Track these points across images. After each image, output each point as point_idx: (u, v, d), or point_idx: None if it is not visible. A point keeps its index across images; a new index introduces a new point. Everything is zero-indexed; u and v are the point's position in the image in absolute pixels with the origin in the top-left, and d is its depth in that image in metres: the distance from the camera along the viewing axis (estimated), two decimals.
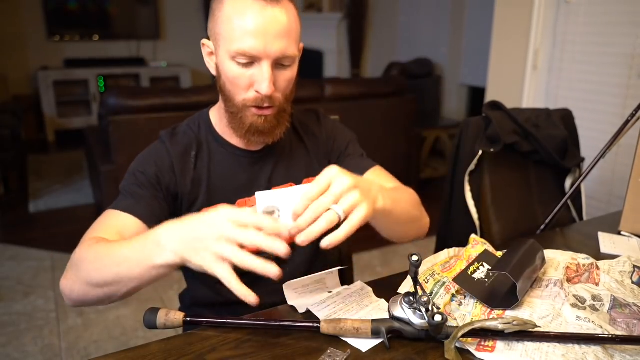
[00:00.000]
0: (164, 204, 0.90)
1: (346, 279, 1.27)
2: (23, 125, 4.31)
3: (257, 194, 0.72)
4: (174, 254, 0.67)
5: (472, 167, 1.43)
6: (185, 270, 1.08)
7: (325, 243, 0.67)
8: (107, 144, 2.65)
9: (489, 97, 2.91)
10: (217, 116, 0.98)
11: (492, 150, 1.40)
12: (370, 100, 3.24)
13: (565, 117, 1.57)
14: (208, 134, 0.97)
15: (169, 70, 5.47)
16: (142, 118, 2.59)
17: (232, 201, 0.95)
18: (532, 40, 2.61)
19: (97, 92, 5.10)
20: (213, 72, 0.91)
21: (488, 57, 2.91)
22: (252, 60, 0.82)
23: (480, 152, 1.41)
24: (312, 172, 1.01)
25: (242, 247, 0.65)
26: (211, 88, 2.96)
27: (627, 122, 1.28)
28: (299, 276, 0.97)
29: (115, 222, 0.84)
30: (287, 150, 1.01)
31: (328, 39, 5.72)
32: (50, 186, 3.80)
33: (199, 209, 0.94)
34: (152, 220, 0.86)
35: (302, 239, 0.67)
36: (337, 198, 0.68)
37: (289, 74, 0.87)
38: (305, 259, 1.03)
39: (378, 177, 0.98)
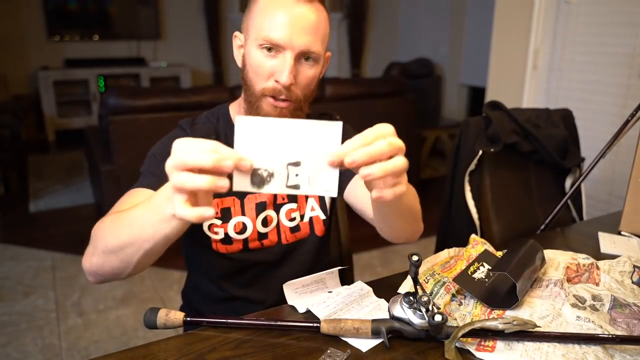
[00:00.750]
0: None
1: (346, 279, 1.27)
2: (23, 125, 4.31)
3: (238, 117, 0.63)
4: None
5: (472, 167, 1.43)
6: (188, 262, 1.09)
7: (385, 195, 0.64)
8: (107, 143, 2.65)
9: (489, 97, 2.91)
10: (236, 110, 0.99)
11: (492, 150, 1.40)
12: (370, 100, 3.24)
13: (566, 117, 1.57)
14: (226, 127, 0.99)
15: (169, 70, 5.47)
16: (142, 118, 2.60)
17: (242, 196, 0.96)
18: (532, 40, 2.61)
19: (97, 92, 5.10)
20: (239, 63, 0.94)
21: (488, 57, 2.91)
22: (275, 49, 0.85)
23: (480, 152, 1.41)
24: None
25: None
26: (211, 88, 2.97)
27: (627, 122, 1.28)
28: (302, 276, 0.97)
29: (135, 198, 0.84)
30: None
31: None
32: (51, 186, 3.80)
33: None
34: None
35: (365, 174, 0.61)
36: (393, 151, 0.65)
37: (312, 71, 0.89)
38: (308, 259, 1.03)
39: None
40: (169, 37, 5.70)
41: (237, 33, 0.94)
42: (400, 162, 0.64)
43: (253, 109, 0.90)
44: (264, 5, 0.85)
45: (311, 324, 0.76)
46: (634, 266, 0.97)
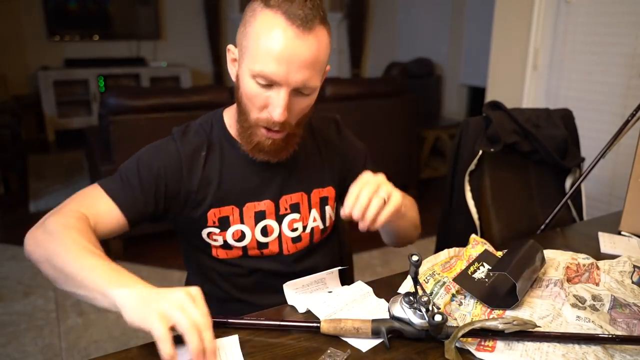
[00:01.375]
0: (151, 200, 0.90)
1: (346, 279, 1.27)
2: (23, 125, 4.31)
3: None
4: (126, 315, 0.67)
5: (472, 167, 1.43)
6: (188, 264, 1.09)
7: (380, 220, 0.80)
8: (107, 143, 2.65)
9: (489, 96, 2.91)
10: (231, 118, 0.96)
11: (492, 150, 1.40)
12: (371, 100, 3.24)
13: (566, 117, 1.57)
14: (221, 136, 0.96)
15: (169, 70, 5.47)
16: (142, 118, 2.59)
17: (241, 204, 0.95)
18: (532, 40, 2.62)
19: (97, 92, 5.10)
20: (233, 78, 0.90)
21: (488, 56, 2.91)
22: (271, 84, 0.82)
23: (481, 152, 1.41)
24: (323, 183, 1.02)
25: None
26: (211, 88, 2.96)
27: (628, 122, 1.28)
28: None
29: (97, 203, 0.86)
30: (302, 158, 0.99)
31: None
32: (51, 186, 3.80)
33: (206, 209, 0.94)
34: (131, 212, 0.87)
35: (363, 225, 0.80)
36: (377, 189, 0.81)
37: (306, 102, 0.87)
38: (321, 262, 1.04)
39: None
40: (169, 37, 5.70)
41: (230, 47, 0.90)
42: (392, 206, 0.82)
43: (246, 134, 0.89)
44: (260, 32, 0.80)
45: (311, 324, 0.76)
46: (634, 266, 0.97)
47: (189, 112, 2.62)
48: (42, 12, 5.03)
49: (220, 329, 0.76)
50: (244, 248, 0.97)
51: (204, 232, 0.95)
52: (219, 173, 0.94)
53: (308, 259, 1.03)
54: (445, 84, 4.94)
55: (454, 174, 1.50)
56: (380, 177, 0.83)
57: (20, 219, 3.24)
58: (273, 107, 0.82)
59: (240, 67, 0.86)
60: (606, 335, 0.73)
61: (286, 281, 0.86)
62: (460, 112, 4.83)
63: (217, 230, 0.95)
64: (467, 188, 1.45)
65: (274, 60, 0.79)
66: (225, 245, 0.96)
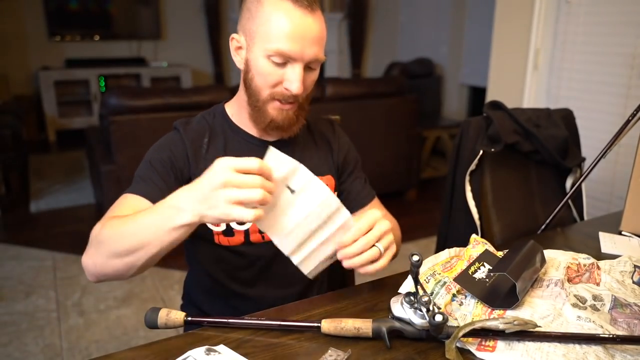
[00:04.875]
0: (173, 187, 0.91)
1: (346, 279, 1.27)
2: (24, 126, 4.31)
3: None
4: (192, 213, 0.72)
5: (472, 167, 1.43)
6: (190, 259, 1.09)
7: (368, 270, 0.81)
8: (108, 143, 2.66)
9: (490, 96, 2.91)
10: (234, 108, 1.01)
11: (492, 150, 1.40)
12: (371, 100, 3.24)
13: (566, 117, 1.57)
14: (223, 123, 1.01)
15: (170, 70, 5.47)
16: (143, 118, 2.60)
17: None
18: (532, 40, 2.61)
19: (98, 92, 5.11)
20: (239, 65, 0.95)
21: (489, 56, 2.91)
22: (286, 61, 0.88)
23: (481, 152, 1.41)
24: (322, 172, 1.04)
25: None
26: (212, 88, 2.97)
27: (628, 121, 1.28)
28: (302, 280, 0.98)
29: (130, 203, 0.88)
30: (300, 147, 1.04)
31: (329, 39, 5.70)
32: (51, 186, 3.81)
33: None
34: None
35: (348, 265, 0.80)
36: (380, 237, 0.81)
37: (314, 75, 0.94)
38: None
39: (378, 209, 1.03)
40: (169, 37, 5.70)
41: (234, 35, 0.94)
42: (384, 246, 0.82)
43: (258, 113, 0.94)
44: (270, 13, 0.86)
45: (312, 324, 0.76)
46: (635, 266, 0.97)
47: (189, 112, 2.59)
48: (43, 12, 5.03)
49: (221, 329, 0.77)
50: (246, 232, 0.98)
51: None
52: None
53: None
54: (445, 84, 4.94)
55: (454, 174, 1.50)
56: (386, 224, 0.82)
57: (21, 219, 3.25)
58: (290, 82, 0.89)
59: (250, 50, 0.91)
60: (607, 335, 0.73)
61: (286, 267, 0.86)
62: (461, 112, 4.83)
63: None
64: (468, 188, 1.45)
65: (289, 39, 0.86)
66: (228, 231, 0.97)
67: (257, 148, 0.98)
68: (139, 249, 0.76)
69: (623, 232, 1.20)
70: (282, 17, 0.85)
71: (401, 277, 0.92)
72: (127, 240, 0.77)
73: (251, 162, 0.70)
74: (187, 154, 0.96)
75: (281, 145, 0.99)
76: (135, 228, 0.76)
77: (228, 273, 1.02)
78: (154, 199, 0.87)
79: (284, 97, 0.91)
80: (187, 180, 0.95)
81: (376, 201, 1.12)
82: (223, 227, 0.97)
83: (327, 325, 0.75)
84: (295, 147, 1.03)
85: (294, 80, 0.88)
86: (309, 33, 0.87)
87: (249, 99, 0.94)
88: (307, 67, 0.91)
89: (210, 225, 0.97)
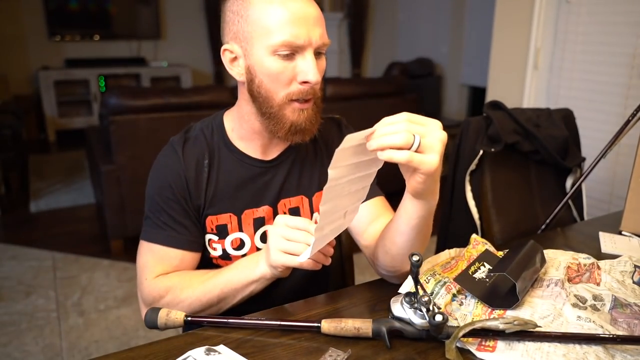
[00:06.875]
0: (194, 217, 0.93)
1: (347, 279, 1.27)
2: (24, 125, 4.31)
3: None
4: (265, 264, 0.82)
5: (472, 166, 1.43)
6: None
7: (393, 157, 0.66)
8: (108, 143, 2.65)
9: (490, 96, 2.91)
10: (233, 121, 0.94)
11: (492, 150, 1.40)
12: (371, 100, 3.24)
13: (566, 117, 1.57)
14: (220, 140, 0.94)
15: (170, 70, 5.47)
16: (142, 118, 2.59)
17: (239, 211, 0.93)
18: (532, 40, 2.61)
19: (97, 92, 5.11)
20: (239, 77, 0.87)
21: (489, 56, 2.91)
22: (294, 52, 0.81)
23: (481, 152, 1.41)
24: (324, 186, 1.00)
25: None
26: (212, 88, 2.96)
27: (628, 121, 1.28)
28: (303, 286, 0.97)
29: (164, 256, 0.91)
30: (301, 160, 0.98)
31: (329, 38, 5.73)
32: (51, 186, 3.81)
33: (205, 216, 0.93)
34: (193, 245, 0.92)
35: (372, 145, 0.67)
36: (426, 134, 0.66)
37: (324, 63, 0.86)
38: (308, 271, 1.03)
39: (381, 208, 0.97)
40: (169, 37, 5.70)
41: (225, 47, 0.85)
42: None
43: (275, 121, 0.86)
44: (264, 7, 0.79)
45: (312, 324, 0.76)
46: (635, 266, 0.97)
47: (189, 112, 2.62)
48: (42, 12, 5.03)
49: (221, 329, 0.77)
50: (244, 257, 0.93)
51: (206, 238, 0.94)
52: (216, 179, 0.93)
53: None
54: (445, 84, 4.94)
55: (454, 173, 1.50)
56: (437, 122, 0.69)
57: (21, 219, 3.25)
58: (305, 73, 0.81)
59: (249, 55, 0.83)
60: (607, 335, 0.73)
61: (285, 286, 0.90)
62: (461, 112, 4.83)
63: (215, 238, 0.93)
64: (468, 188, 1.45)
65: (291, 25, 0.79)
66: (224, 255, 0.94)
67: (253, 168, 0.93)
68: (218, 303, 0.86)
69: (623, 232, 1.20)
70: (277, 6, 0.79)
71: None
72: (209, 297, 0.85)
73: (300, 221, 0.79)
74: (187, 184, 0.90)
75: (280, 162, 0.95)
76: (218, 283, 0.85)
77: None
78: (183, 246, 0.91)
79: (302, 93, 0.83)
80: (197, 208, 0.92)
81: (382, 200, 1.00)
82: (220, 251, 0.94)
83: (327, 325, 0.74)
84: (296, 161, 0.97)
85: (309, 69, 0.81)
86: (310, 14, 0.80)
87: (260, 109, 0.86)
88: (316, 54, 0.83)
89: (208, 249, 0.94)
